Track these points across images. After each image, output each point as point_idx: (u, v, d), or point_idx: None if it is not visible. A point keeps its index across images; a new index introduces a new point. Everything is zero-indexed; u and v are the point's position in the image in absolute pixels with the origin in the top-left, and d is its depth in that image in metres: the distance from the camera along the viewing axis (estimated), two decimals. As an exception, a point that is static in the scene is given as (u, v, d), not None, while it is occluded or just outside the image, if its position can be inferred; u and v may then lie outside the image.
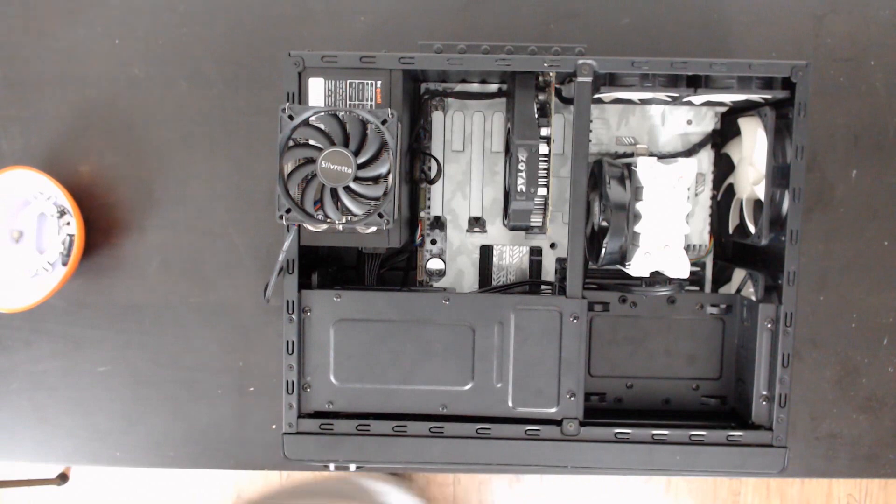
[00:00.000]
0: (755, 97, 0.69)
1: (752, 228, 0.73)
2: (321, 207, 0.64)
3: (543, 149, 0.69)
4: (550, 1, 0.84)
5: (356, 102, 0.68)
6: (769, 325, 0.69)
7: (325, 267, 0.75)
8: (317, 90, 0.68)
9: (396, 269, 0.82)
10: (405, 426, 0.68)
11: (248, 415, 0.86)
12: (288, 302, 0.68)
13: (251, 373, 0.86)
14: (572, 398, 0.68)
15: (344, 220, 0.64)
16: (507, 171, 0.76)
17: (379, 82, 0.67)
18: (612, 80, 0.68)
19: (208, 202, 0.85)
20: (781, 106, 0.69)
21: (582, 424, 0.68)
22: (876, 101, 0.84)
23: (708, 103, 0.77)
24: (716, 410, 0.76)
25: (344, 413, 0.69)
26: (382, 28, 0.84)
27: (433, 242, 0.80)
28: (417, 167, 0.79)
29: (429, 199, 0.80)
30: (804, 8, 0.84)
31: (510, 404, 0.69)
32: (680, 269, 0.70)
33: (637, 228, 0.70)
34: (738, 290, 0.77)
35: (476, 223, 0.80)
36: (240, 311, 0.86)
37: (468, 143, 0.79)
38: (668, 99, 0.74)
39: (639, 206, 0.70)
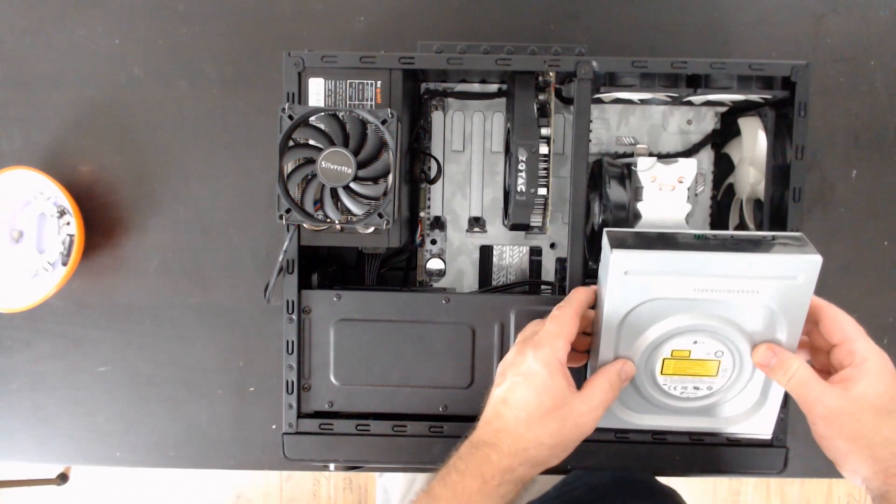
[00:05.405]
0: (755, 97, 0.69)
1: (752, 228, 0.73)
2: (321, 207, 0.64)
3: (543, 149, 0.69)
4: (550, 1, 0.83)
5: (356, 102, 0.68)
6: (769, 325, 0.69)
7: (325, 267, 0.75)
8: (317, 90, 0.68)
9: (396, 269, 0.82)
10: (405, 426, 0.68)
11: (248, 415, 0.86)
12: (288, 302, 0.68)
13: (251, 373, 0.86)
14: (572, 398, 0.68)
15: (344, 220, 0.64)
16: (507, 171, 0.76)
17: (379, 82, 0.67)
18: (612, 80, 0.68)
19: (208, 202, 0.85)
20: (781, 106, 0.69)
21: (582, 424, 0.68)
22: (876, 101, 0.84)
23: (708, 103, 0.77)
24: (716, 410, 0.76)
25: (344, 413, 0.69)
26: (382, 28, 0.84)
27: (433, 242, 0.80)
28: (417, 167, 0.79)
29: (429, 199, 0.80)
30: (804, 8, 0.84)
31: (510, 404, 0.68)
32: (680, 269, 0.69)
33: (637, 228, 0.70)
34: (738, 290, 0.76)
35: (476, 223, 0.80)
36: (240, 311, 0.86)
37: (468, 143, 0.79)
38: (668, 99, 0.74)
39: (639, 206, 0.70)
